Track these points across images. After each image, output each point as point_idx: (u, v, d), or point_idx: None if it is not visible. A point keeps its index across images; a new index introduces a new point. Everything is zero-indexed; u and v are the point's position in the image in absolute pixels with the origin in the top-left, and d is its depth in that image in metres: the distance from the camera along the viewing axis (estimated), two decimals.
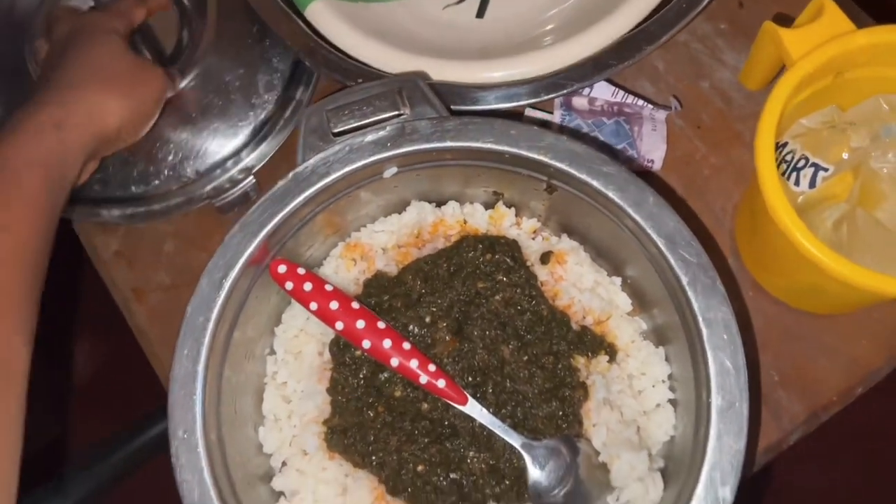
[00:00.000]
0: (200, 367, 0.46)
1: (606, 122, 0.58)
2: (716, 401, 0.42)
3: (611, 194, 0.46)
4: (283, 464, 0.51)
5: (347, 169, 0.49)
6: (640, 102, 0.58)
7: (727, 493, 0.41)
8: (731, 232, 0.58)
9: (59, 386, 1.26)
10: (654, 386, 0.51)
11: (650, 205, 0.45)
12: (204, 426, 0.45)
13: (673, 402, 0.50)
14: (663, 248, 0.45)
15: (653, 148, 0.59)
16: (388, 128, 0.49)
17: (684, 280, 0.44)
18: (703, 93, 0.62)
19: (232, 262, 0.48)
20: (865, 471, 1.12)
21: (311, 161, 0.49)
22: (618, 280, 0.53)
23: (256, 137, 0.62)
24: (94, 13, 0.60)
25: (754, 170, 0.45)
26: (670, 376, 0.51)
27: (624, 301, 0.53)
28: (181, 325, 0.47)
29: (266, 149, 0.63)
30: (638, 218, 0.45)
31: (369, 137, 0.49)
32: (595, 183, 0.46)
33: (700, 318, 0.44)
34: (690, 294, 0.44)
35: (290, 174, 0.48)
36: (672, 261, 0.45)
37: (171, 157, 0.62)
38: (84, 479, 1.09)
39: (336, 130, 0.49)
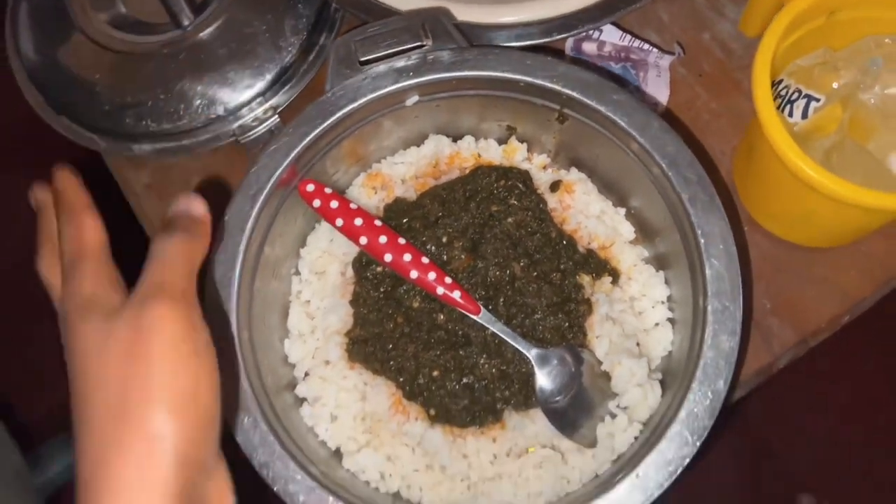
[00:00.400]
0: (235, 273, 0.49)
1: (614, 66, 0.62)
2: (712, 304, 0.46)
3: (618, 119, 0.50)
4: (306, 374, 0.55)
5: (373, 95, 0.52)
6: (646, 47, 0.62)
7: (720, 385, 0.45)
8: (729, 173, 0.62)
9: None
10: (653, 307, 0.54)
11: (655, 129, 0.49)
12: (237, 325, 0.49)
13: (671, 320, 0.54)
14: (666, 168, 0.48)
15: (657, 93, 0.62)
16: (411, 57, 0.52)
17: (685, 197, 0.48)
18: (705, 43, 0.65)
19: (264, 178, 0.51)
20: (852, 394, 1.19)
21: (340, 87, 0.52)
22: (622, 210, 0.57)
23: (282, 79, 0.66)
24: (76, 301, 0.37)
25: (753, 102, 0.48)
26: (669, 298, 0.54)
27: (627, 229, 0.56)
28: (218, 235, 0.50)
29: (291, 90, 0.66)
30: (643, 141, 0.49)
31: (394, 66, 0.52)
32: (604, 109, 0.50)
33: (699, 231, 0.47)
34: (690, 209, 0.48)
35: (320, 98, 0.52)
36: (674, 180, 0.48)
37: (200, 97, 0.65)
38: None
39: (363, 59, 0.53)
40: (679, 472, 0.43)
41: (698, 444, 0.44)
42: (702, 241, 0.47)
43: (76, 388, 0.35)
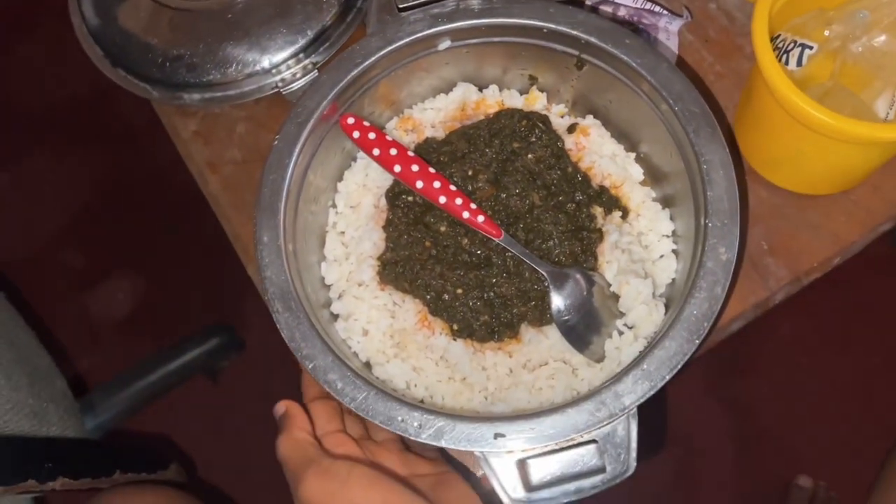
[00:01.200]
0: (284, 188, 0.55)
1: None
2: (711, 221, 0.51)
3: (631, 61, 0.55)
4: (340, 295, 0.60)
5: (409, 38, 0.58)
6: (658, 9, 0.67)
7: (718, 291, 0.50)
8: (731, 128, 0.67)
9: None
10: (659, 240, 0.59)
11: (663, 69, 0.55)
12: (284, 237, 0.54)
13: (675, 252, 0.59)
14: (673, 104, 0.54)
15: (666, 54, 0.68)
16: (445, 5, 0.58)
17: (690, 129, 0.53)
18: (711, 12, 0.71)
19: (311, 108, 0.57)
20: (841, 325, 1.27)
21: (380, 30, 0.58)
22: (632, 155, 0.62)
23: (322, 36, 0.71)
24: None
25: (753, 53, 0.54)
26: (674, 232, 0.59)
27: (637, 171, 0.62)
28: (268, 158, 0.56)
29: (329, 49, 0.72)
30: (653, 80, 0.55)
31: (429, 12, 0.58)
32: (618, 52, 0.55)
33: (702, 159, 0.52)
34: (694, 139, 0.53)
35: (362, 39, 0.58)
36: (680, 114, 0.54)
37: (246, 51, 0.71)
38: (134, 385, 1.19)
39: (401, 6, 0.59)
40: (680, 366, 0.48)
41: (697, 342, 0.49)
42: (704, 167, 0.52)
43: None
